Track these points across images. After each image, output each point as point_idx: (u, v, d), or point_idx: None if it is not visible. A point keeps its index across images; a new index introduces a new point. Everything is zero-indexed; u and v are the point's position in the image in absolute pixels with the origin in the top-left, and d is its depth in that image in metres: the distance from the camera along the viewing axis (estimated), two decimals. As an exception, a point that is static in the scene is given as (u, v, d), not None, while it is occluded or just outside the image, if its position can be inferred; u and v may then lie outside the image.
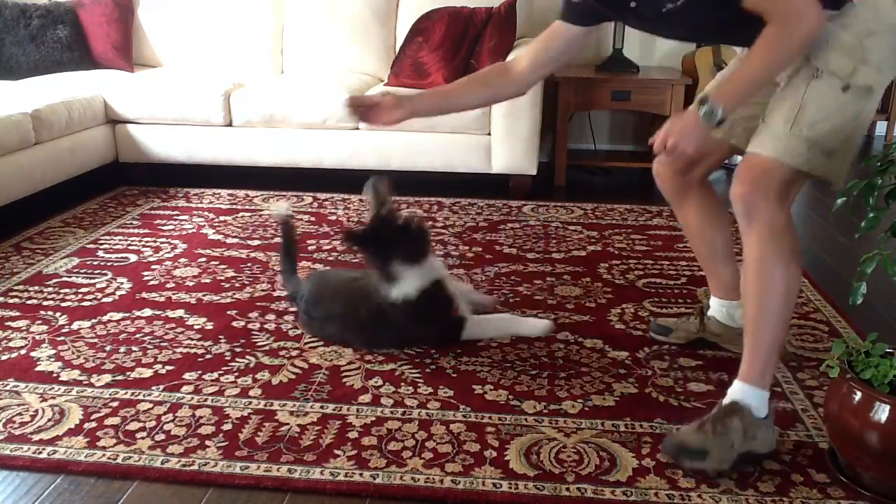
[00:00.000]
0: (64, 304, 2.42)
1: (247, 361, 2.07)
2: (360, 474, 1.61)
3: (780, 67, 1.59)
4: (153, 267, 2.74)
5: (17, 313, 2.36)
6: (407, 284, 2.08)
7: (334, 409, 1.85)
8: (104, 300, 2.46)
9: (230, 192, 3.65)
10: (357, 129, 3.60)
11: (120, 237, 3.05)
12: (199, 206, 3.47)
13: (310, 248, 2.94)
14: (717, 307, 2.08)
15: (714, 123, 1.54)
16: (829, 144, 1.58)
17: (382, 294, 2.10)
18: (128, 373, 2.01)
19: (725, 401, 1.65)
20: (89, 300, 2.45)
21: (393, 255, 2.08)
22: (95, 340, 2.19)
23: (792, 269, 1.63)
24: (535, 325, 2.21)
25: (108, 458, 1.66)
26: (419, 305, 2.07)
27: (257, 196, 3.60)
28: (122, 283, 2.58)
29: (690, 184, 1.99)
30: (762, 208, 1.59)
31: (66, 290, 2.53)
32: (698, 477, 1.59)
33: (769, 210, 1.59)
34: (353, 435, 1.74)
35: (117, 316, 2.34)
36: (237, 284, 2.59)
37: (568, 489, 1.56)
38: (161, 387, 1.94)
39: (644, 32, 1.89)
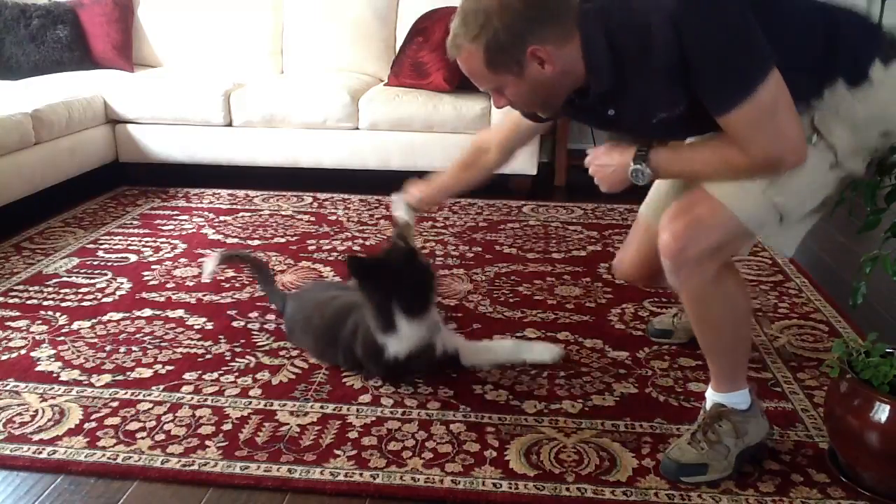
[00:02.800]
0: (64, 304, 2.42)
1: (247, 361, 2.07)
2: (360, 474, 1.61)
3: (728, 181, 1.45)
4: (153, 267, 2.73)
5: (17, 313, 2.36)
6: (397, 342, 1.88)
7: (334, 409, 1.84)
8: (104, 300, 2.46)
9: (230, 192, 3.65)
10: (357, 129, 3.60)
11: (120, 237, 3.05)
12: (199, 206, 3.47)
13: (310, 247, 2.94)
14: None
15: (639, 184, 1.51)
16: (790, 215, 1.46)
17: (371, 335, 1.91)
18: (128, 373, 2.01)
19: (708, 406, 1.64)
20: (89, 300, 2.45)
21: (394, 299, 1.86)
22: (95, 340, 2.18)
23: (738, 306, 1.55)
24: (544, 351, 2.06)
25: (108, 458, 1.66)
26: (404, 365, 1.91)
27: (257, 196, 3.60)
28: (122, 283, 2.58)
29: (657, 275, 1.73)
30: (691, 271, 1.46)
31: (66, 290, 2.53)
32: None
33: (699, 274, 1.46)
34: (353, 435, 1.74)
35: (117, 316, 2.34)
36: (237, 284, 2.59)
37: (568, 489, 1.56)
38: (161, 387, 1.94)
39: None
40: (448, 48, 1.43)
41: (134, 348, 2.14)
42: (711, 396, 1.64)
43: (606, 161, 1.53)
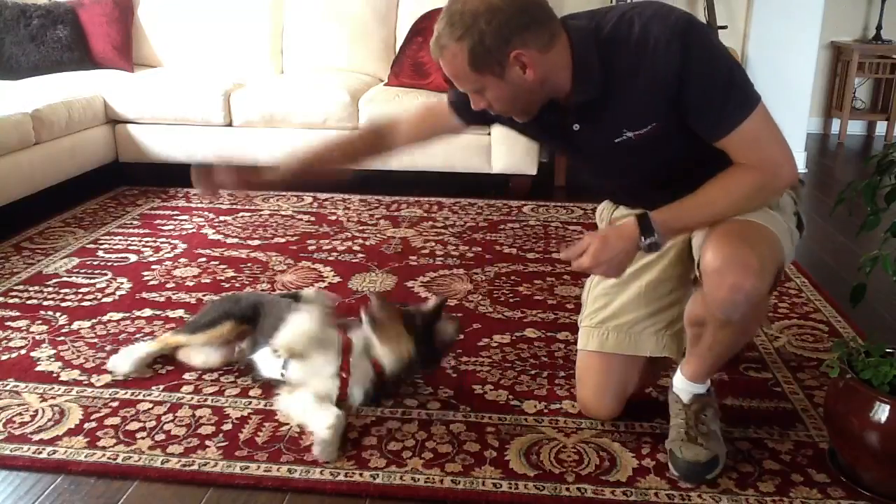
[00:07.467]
0: (64, 304, 2.42)
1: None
2: (360, 474, 1.61)
3: (739, 213, 1.46)
4: (153, 267, 2.73)
5: (17, 313, 2.36)
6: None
7: (334, 409, 1.84)
8: (104, 300, 2.46)
9: (230, 191, 3.65)
10: (357, 128, 3.60)
11: (120, 237, 3.05)
12: (199, 206, 3.47)
13: (310, 247, 2.93)
14: None
15: (653, 254, 1.52)
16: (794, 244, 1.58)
17: None
18: (128, 373, 2.01)
19: (686, 399, 1.63)
20: (89, 300, 2.45)
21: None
22: (95, 340, 2.18)
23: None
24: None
25: (108, 458, 1.66)
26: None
27: (257, 196, 3.60)
28: (122, 283, 2.58)
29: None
30: (756, 301, 1.43)
31: (66, 290, 2.53)
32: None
33: (756, 302, 1.44)
34: (353, 435, 1.74)
35: (117, 316, 2.34)
36: (237, 284, 2.59)
37: (568, 489, 1.56)
38: (161, 387, 1.94)
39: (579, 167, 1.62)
40: (432, 48, 1.43)
41: (134, 348, 2.14)
42: (690, 388, 1.64)
43: (610, 249, 1.46)
